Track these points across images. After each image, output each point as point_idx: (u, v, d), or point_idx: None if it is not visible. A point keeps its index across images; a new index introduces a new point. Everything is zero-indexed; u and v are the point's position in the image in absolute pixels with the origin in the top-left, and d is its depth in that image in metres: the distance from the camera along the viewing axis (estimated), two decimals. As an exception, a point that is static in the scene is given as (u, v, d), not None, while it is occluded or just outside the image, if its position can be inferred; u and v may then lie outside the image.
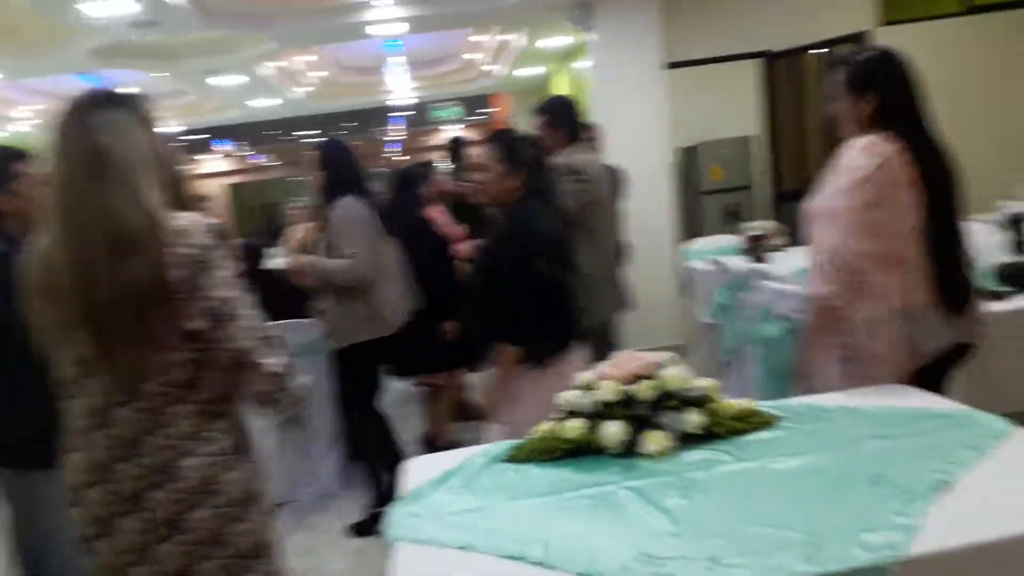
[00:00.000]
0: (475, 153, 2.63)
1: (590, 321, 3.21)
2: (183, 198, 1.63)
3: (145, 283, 1.49)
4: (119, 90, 1.63)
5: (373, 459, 3.65)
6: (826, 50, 6.60)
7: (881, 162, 2.06)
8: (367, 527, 3.59)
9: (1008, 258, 2.95)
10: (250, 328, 1.58)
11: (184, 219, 1.55)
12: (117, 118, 1.56)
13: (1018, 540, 1.25)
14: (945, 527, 1.29)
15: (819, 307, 2.14)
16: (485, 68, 11.65)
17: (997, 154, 6.16)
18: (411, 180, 4.18)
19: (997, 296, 2.84)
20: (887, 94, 2.13)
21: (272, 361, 1.60)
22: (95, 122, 1.54)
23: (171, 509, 1.53)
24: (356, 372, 3.53)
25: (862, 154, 2.08)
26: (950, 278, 2.14)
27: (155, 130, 1.62)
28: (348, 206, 3.38)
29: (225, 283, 1.56)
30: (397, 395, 3.81)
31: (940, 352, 2.14)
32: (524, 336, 2.54)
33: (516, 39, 9.41)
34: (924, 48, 6.32)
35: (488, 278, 2.61)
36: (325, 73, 11.71)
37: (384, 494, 3.48)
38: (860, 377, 2.10)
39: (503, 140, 2.66)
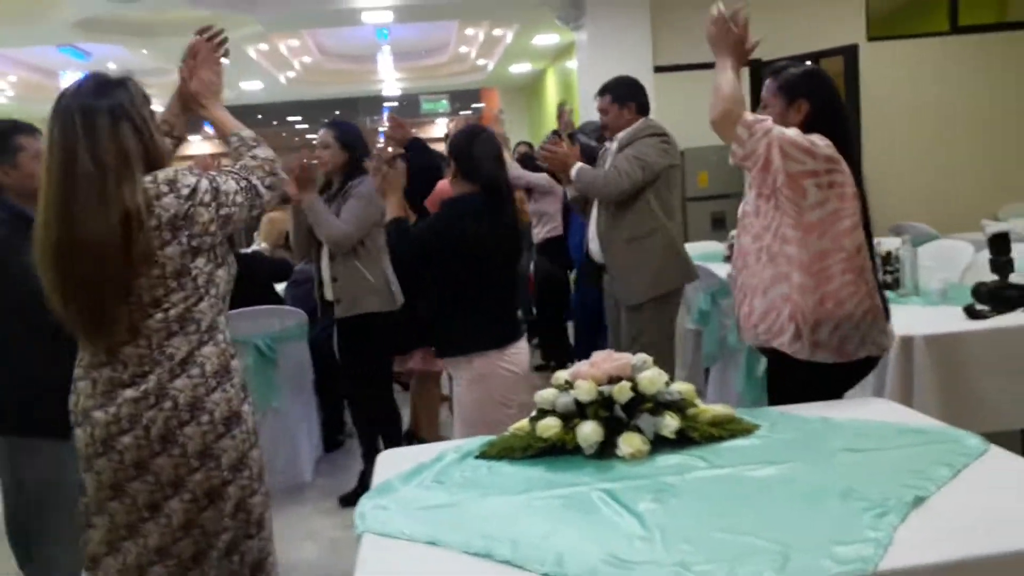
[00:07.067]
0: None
1: (670, 286, 3.36)
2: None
3: (123, 269, 1.66)
4: (111, 76, 1.75)
5: (371, 436, 3.70)
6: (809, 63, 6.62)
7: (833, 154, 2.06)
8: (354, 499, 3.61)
9: (988, 278, 2.93)
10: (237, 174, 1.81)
11: (167, 171, 1.72)
12: (97, 119, 1.66)
13: (991, 559, 1.24)
14: (917, 543, 1.28)
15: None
16: (476, 63, 11.61)
17: (983, 173, 6.22)
18: None
19: (975, 315, 2.83)
20: (817, 102, 2.15)
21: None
22: (76, 121, 1.65)
23: (163, 426, 1.71)
24: (369, 345, 3.55)
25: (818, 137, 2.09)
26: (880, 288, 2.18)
27: (146, 110, 1.75)
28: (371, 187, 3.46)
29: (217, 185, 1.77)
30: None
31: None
32: (439, 330, 2.63)
33: (506, 35, 9.38)
34: (911, 65, 6.45)
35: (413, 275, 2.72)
36: (309, 59, 11.61)
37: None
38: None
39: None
